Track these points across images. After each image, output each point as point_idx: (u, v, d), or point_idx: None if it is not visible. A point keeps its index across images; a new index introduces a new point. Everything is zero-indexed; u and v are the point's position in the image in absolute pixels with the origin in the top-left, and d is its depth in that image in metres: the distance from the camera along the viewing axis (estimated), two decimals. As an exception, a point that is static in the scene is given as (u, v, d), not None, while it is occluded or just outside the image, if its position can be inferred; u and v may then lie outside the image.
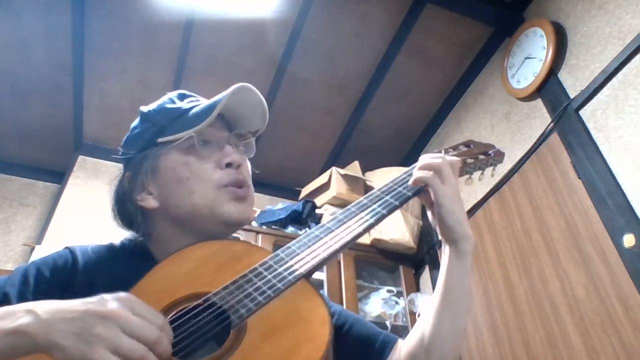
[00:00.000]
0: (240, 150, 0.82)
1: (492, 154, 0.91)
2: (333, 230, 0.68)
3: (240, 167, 0.78)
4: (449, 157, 0.81)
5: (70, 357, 0.45)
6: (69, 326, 0.46)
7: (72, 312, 0.47)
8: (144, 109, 0.82)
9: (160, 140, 0.77)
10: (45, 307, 0.48)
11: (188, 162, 0.76)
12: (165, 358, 0.49)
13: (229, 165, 0.76)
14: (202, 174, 0.75)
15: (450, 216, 0.74)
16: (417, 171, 0.78)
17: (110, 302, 0.49)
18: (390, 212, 0.73)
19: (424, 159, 0.80)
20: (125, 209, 0.79)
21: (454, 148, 0.91)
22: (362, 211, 0.72)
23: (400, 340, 0.81)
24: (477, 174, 0.91)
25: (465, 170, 0.88)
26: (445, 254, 0.77)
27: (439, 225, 0.76)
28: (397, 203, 0.74)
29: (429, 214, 0.80)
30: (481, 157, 0.90)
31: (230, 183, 0.75)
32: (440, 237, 0.79)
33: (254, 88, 0.80)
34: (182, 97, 0.84)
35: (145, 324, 0.48)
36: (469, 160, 0.88)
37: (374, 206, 0.73)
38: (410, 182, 0.77)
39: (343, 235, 0.67)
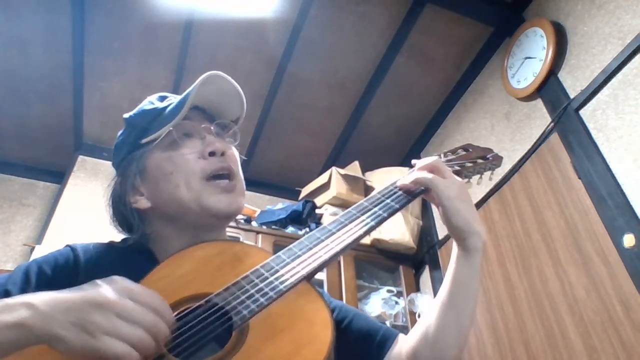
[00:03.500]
0: (227, 140, 0.82)
1: (490, 158, 0.91)
2: (334, 233, 0.68)
3: (224, 154, 0.78)
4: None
5: (72, 346, 0.46)
6: (67, 316, 0.47)
7: (69, 303, 0.48)
8: (126, 115, 0.83)
9: (143, 141, 0.79)
10: (43, 298, 0.49)
11: (171, 157, 0.76)
12: (167, 334, 0.50)
13: (212, 154, 0.77)
14: (185, 165, 0.75)
15: (455, 216, 0.73)
16: (417, 172, 0.77)
17: (104, 288, 0.50)
18: (390, 215, 0.73)
19: (420, 162, 0.80)
20: (122, 213, 0.80)
21: (453, 152, 0.91)
22: (362, 214, 0.72)
23: (401, 335, 0.81)
24: (475, 178, 0.92)
25: (464, 174, 0.88)
26: (454, 251, 0.77)
27: (445, 224, 0.76)
28: (397, 206, 0.74)
29: (439, 211, 0.79)
30: (480, 161, 0.90)
31: (215, 171, 0.76)
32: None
33: (225, 75, 0.80)
34: (161, 98, 0.85)
35: (140, 308, 0.49)
36: (468, 164, 0.88)
37: (375, 209, 0.73)
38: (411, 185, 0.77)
39: (344, 238, 0.67)
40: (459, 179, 0.78)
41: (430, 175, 0.75)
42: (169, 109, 0.80)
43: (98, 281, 0.51)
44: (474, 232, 0.74)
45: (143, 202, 0.77)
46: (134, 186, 0.78)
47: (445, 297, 0.75)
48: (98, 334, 0.46)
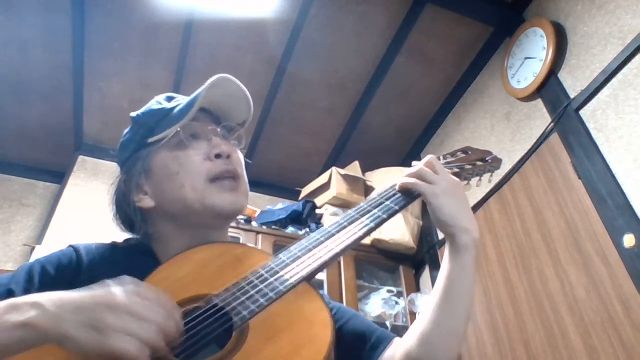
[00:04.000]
0: (231, 142, 0.83)
1: (489, 160, 0.91)
2: (334, 234, 0.69)
3: (229, 157, 0.78)
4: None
5: (85, 346, 0.46)
6: (79, 317, 0.47)
7: (80, 303, 0.49)
8: (133, 114, 0.84)
9: (149, 140, 0.79)
10: (50, 298, 0.49)
11: (177, 157, 0.77)
12: (177, 335, 0.51)
13: (218, 156, 0.77)
14: (190, 166, 0.76)
15: (440, 211, 0.73)
16: (402, 178, 0.78)
17: (115, 289, 0.50)
18: (390, 216, 0.73)
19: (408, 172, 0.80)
20: (125, 212, 0.80)
21: (452, 154, 0.91)
22: (362, 215, 0.72)
23: (397, 338, 0.80)
24: (474, 180, 0.92)
25: (463, 176, 0.88)
26: (446, 249, 0.76)
27: (433, 221, 0.76)
28: (396, 207, 0.75)
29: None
30: (479, 163, 0.90)
31: (221, 173, 0.76)
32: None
33: (234, 79, 0.81)
34: (169, 99, 0.85)
35: (151, 306, 0.50)
36: (467, 167, 0.88)
37: (374, 210, 0.73)
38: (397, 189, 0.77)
39: (343, 239, 0.68)
40: (454, 177, 0.79)
41: (412, 180, 0.76)
42: (176, 109, 0.80)
43: (108, 281, 0.52)
44: (461, 228, 0.73)
45: (147, 201, 0.77)
46: (139, 185, 0.78)
47: (437, 297, 0.73)
48: (110, 333, 0.46)
